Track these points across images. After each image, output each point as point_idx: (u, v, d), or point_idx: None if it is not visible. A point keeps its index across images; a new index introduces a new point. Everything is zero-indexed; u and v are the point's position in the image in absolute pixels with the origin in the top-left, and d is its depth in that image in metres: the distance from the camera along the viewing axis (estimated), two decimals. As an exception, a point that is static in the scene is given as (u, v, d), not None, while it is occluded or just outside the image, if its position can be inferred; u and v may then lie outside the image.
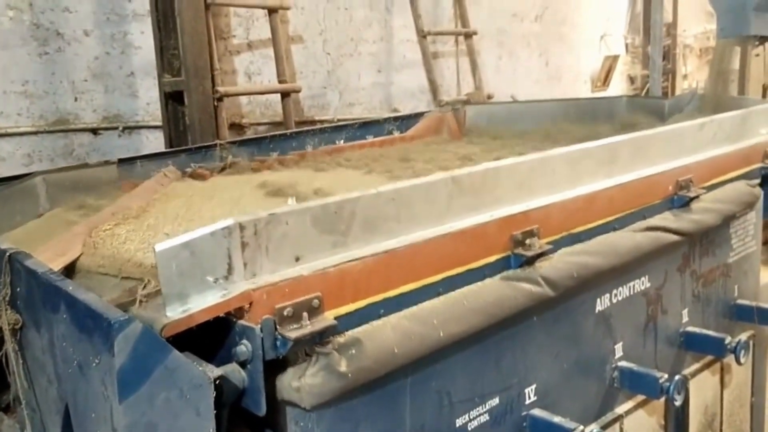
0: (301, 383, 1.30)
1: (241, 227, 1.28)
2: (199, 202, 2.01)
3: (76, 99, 3.60)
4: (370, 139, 3.08)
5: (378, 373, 1.39)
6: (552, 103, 3.49)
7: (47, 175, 2.13)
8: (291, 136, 3.11)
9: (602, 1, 7.44)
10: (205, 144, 2.83)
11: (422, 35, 5.02)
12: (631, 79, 8.03)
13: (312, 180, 2.20)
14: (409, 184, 1.56)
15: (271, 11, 3.98)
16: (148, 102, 3.80)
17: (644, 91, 7.30)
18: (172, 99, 3.66)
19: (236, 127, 4.16)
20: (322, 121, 4.70)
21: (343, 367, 1.33)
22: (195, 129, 3.42)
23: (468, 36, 5.37)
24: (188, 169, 2.52)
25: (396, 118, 3.51)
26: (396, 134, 3.23)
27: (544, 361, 1.82)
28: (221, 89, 3.54)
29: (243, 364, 1.28)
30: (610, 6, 7.58)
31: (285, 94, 4.02)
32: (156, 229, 1.71)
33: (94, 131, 3.67)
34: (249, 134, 4.26)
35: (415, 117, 3.59)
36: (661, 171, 2.19)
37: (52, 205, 2.10)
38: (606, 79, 7.49)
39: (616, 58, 7.49)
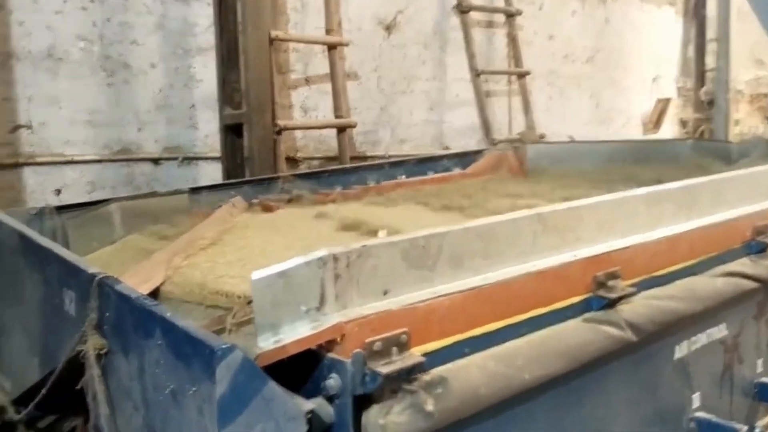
0: (387, 421, 1.27)
1: (335, 258, 1.27)
2: (271, 234, 2.01)
3: (139, 129, 3.68)
4: (431, 175, 3.07)
5: (463, 414, 1.35)
6: (614, 144, 3.45)
7: (122, 203, 2.16)
8: (350, 171, 3.13)
9: (654, 45, 7.40)
10: (269, 176, 2.86)
11: (476, 74, 5.04)
12: (683, 123, 7.93)
13: (380, 215, 2.19)
14: (495, 220, 1.53)
15: (331, 47, 4.04)
16: (206, 134, 3.87)
17: (698, 134, 7.20)
18: (232, 131, 3.71)
19: (290, 161, 4.20)
20: (373, 157, 4.72)
21: (429, 406, 1.30)
22: (254, 161, 3.45)
23: (521, 76, 5.37)
24: (254, 201, 2.54)
25: (454, 155, 3.51)
26: (456, 171, 3.22)
27: (623, 409, 1.76)
28: (281, 122, 3.58)
29: (330, 399, 1.25)
30: (661, 50, 7.53)
31: (341, 129, 4.06)
32: (235, 259, 1.71)
33: (155, 161, 3.74)
34: (302, 168, 4.29)
35: (474, 154, 3.59)
36: (739, 215, 2.14)
37: (127, 231, 2.13)
38: (658, 121, 7.42)
39: (668, 101, 7.42)
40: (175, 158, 3.78)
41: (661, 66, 7.54)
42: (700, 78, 7.99)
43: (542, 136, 5.42)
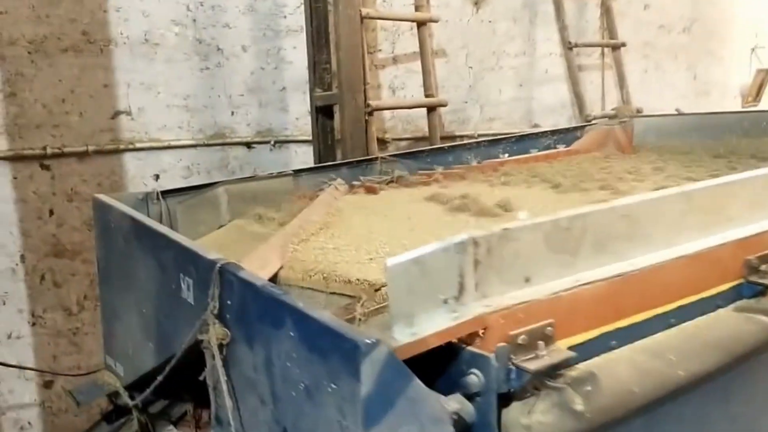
0: (531, 420, 1.16)
1: (475, 243, 1.16)
2: (380, 217, 1.93)
3: (232, 113, 3.67)
4: (534, 152, 2.91)
5: (616, 414, 1.22)
6: (728, 116, 3.19)
7: (228, 186, 2.12)
8: (448, 150, 3.01)
9: (753, 13, 6.92)
10: (367, 157, 2.78)
11: (568, 47, 4.80)
12: (786, 94, 7.39)
13: (490, 195, 2.06)
14: (639, 199, 1.39)
15: (420, 24, 3.91)
16: (297, 117, 3.82)
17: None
18: (322, 113, 3.65)
19: (379, 142, 4.11)
20: (462, 137, 4.58)
21: (578, 405, 1.17)
22: (346, 143, 3.38)
23: (615, 48, 5.10)
24: (356, 183, 2.46)
25: (555, 132, 3.33)
26: (560, 148, 3.05)
27: (774, 407, 1.59)
28: (373, 103, 3.49)
29: (470, 396, 1.15)
30: (760, 18, 7.03)
31: (431, 109, 3.94)
32: (349, 243, 1.63)
33: (248, 145, 3.72)
34: (391, 149, 4.20)
35: (575, 130, 3.40)
36: None
37: (232, 215, 2.09)
38: (758, 94, 6.94)
39: (766, 71, 6.92)
40: (267, 142, 3.75)
41: (761, 35, 7.04)
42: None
43: (639, 111, 5.13)
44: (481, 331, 1.14)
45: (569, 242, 1.28)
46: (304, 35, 3.71)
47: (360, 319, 1.21)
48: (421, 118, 4.23)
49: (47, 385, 3.51)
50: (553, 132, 3.34)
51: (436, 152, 2.96)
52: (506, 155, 2.91)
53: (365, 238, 1.68)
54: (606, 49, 5.26)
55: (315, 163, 3.67)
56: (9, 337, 3.42)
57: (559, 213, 1.28)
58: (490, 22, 4.61)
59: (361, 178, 2.46)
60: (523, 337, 1.16)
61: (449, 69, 4.47)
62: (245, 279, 1.25)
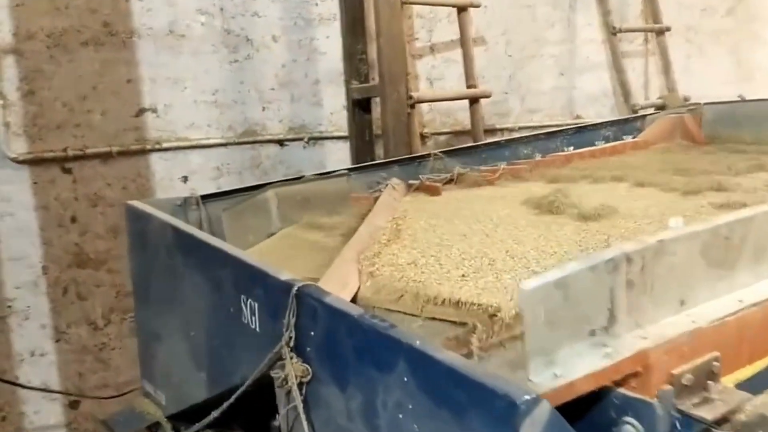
0: (697, 478, 0.93)
1: (629, 260, 0.93)
2: (455, 221, 1.69)
3: (263, 108, 3.44)
4: (601, 145, 2.67)
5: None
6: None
7: (278, 189, 1.89)
8: (503, 145, 2.77)
9: (796, -7, 6.60)
10: (419, 154, 2.54)
11: (612, 32, 4.53)
12: (830, 79, 7.08)
13: (572, 194, 1.82)
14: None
15: (461, 9, 3.66)
16: (331, 111, 3.59)
17: None
18: (359, 107, 3.41)
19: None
20: (502, 130, 4.33)
21: (754, 458, 0.94)
22: (389, 138, 3.14)
23: (660, 33, 4.82)
24: (413, 182, 2.22)
25: (613, 123, 3.09)
26: (627, 139, 2.80)
27: None
28: (415, 95, 3.25)
29: (623, 449, 0.92)
30: (805, -2, 6.71)
31: (473, 101, 3.69)
32: (432, 256, 1.39)
33: (281, 142, 3.49)
34: (429, 144, 3.95)
35: (633, 120, 3.15)
36: None
37: (283, 222, 1.86)
38: (801, 79, 6.62)
39: (813, 55, 6.61)
40: (301, 138, 3.52)
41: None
42: None
43: (686, 99, 4.86)
44: (640, 370, 0.91)
45: (728, 254, 1.04)
46: (337, 24, 3.48)
47: (479, 356, 0.98)
48: (460, 110, 3.98)
49: (73, 405, 3.30)
50: (612, 123, 3.09)
51: (492, 147, 2.73)
52: (571, 148, 2.66)
53: (444, 248, 1.45)
54: (649, 35, 4.99)
55: (352, 161, 3.44)
56: (32, 354, 3.22)
57: (714, 219, 1.04)
58: (529, 7, 4.35)
59: (421, 177, 2.22)
60: (688, 376, 0.92)
61: (488, 58, 4.22)
62: (334, 306, 1.02)
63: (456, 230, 1.60)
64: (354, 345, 0.98)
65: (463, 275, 1.27)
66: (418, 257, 1.40)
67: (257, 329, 1.26)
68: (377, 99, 3.38)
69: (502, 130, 4.29)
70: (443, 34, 3.99)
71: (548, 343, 0.89)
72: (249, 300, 1.26)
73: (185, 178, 3.27)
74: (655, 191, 1.82)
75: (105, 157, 3.23)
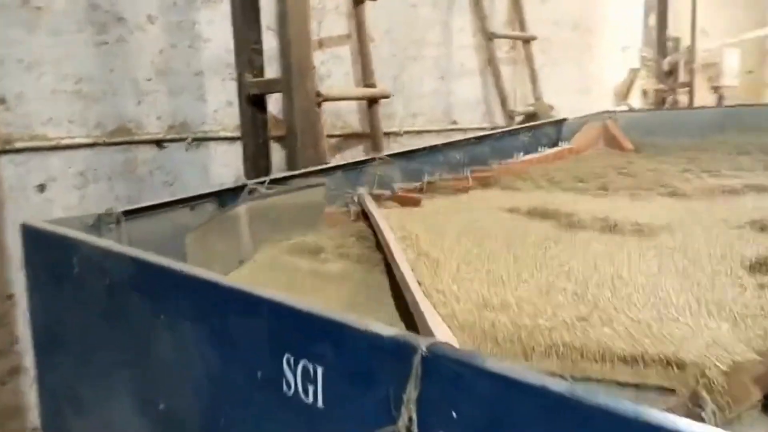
0: None
1: None
2: (475, 240, 1.39)
3: (138, 102, 2.85)
4: (545, 151, 2.50)
5: None
6: (710, 111, 3.02)
7: (251, 204, 1.44)
8: (439, 149, 2.52)
9: (622, 12, 7.16)
10: (361, 159, 2.20)
11: (489, 38, 4.49)
12: (645, 93, 7.78)
13: (563, 204, 1.60)
14: None
15: (358, 2, 3.36)
16: (215, 108, 3.09)
17: (668, 105, 7.06)
18: (253, 104, 2.98)
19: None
20: (388, 134, 4.08)
21: None
22: (295, 140, 2.73)
23: (527, 41, 4.88)
24: (379, 192, 1.88)
25: (529, 128, 2.97)
26: (563, 146, 2.67)
27: None
28: (323, 92, 2.88)
29: None
30: (628, 18, 7.31)
31: (372, 101, 3.40)
32: (487, 286, 1.08)
33: (159, 143, 2.93)
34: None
35: (548, 126, 3.06)
36: None
37: (255, 243, 1.43)
38: (628, 92, 7.19)
39: (637, 71, 7.21)
40: (182, 139, 2.98)
41: (628, 35, 7.33)
42: (662, 48, 7.88)
43: (551, 108, 4.98)
44: None
45: None
46: (222, 7, 3.02)
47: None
48: (349, 112, 3.68)
49: None
50: (529, 128, 2.97)
51: (428, 152, 2.46)
52: (521, 154, 2.47)
53: (494, 277, 1.14)
54: (518, 43, 5.05)
55: (245, 166, 2.99)
56: None
57: None
58: (413, 6, 4.16)
59: (395, 186, 1.88)
60: None
61: (375, 56, 3.96)
62: (501, 374, 0.68)
63: (497, 251, 1.30)
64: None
65: (582, 318, 0.98)
66: (469, 290, 1.08)
67: (319, 404, 0.87)
68: (274, 96, 2.97)
69: (388, 134, 4.04)
70: (333, 28, 3.66)
71: None
72: (302, 361, 0.87)
73: (42, 187, 2.61)
74: (659, 197, 1.66)
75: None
